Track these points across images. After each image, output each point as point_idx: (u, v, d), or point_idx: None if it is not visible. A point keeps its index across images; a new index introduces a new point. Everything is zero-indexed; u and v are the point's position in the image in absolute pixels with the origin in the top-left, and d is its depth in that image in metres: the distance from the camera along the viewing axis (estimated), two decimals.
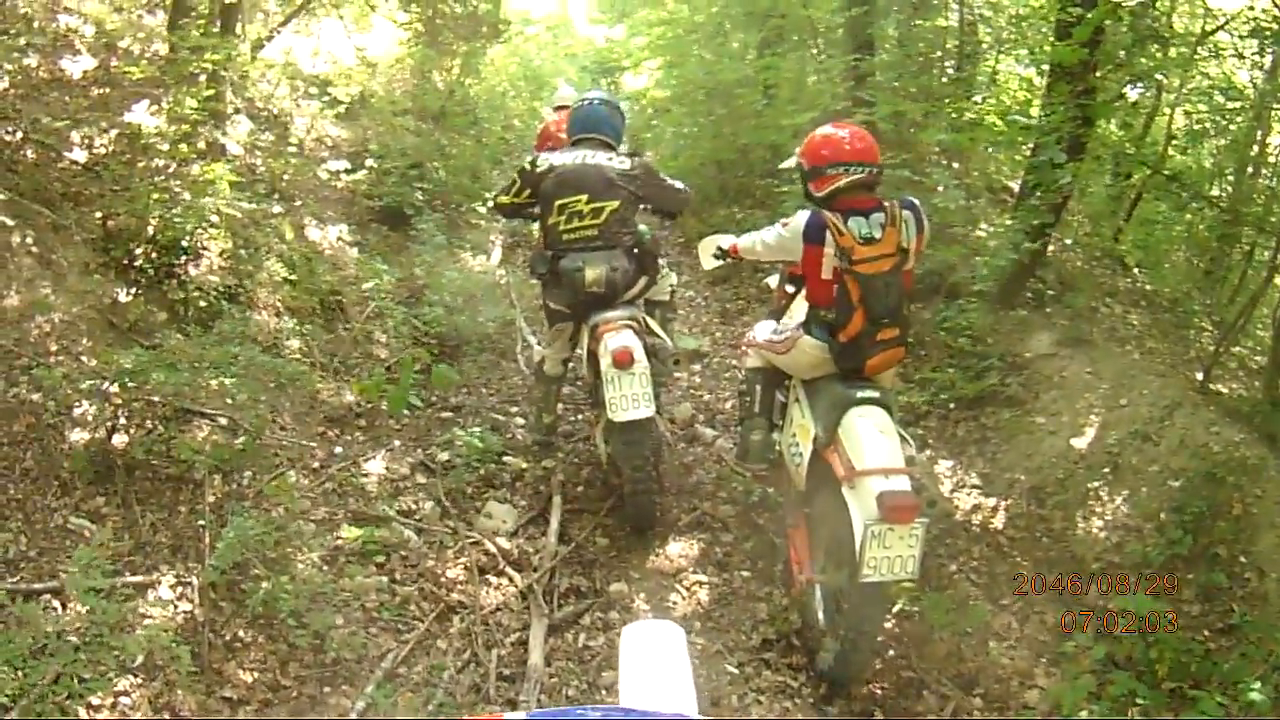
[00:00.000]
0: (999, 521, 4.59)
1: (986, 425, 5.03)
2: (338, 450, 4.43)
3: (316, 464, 4.25)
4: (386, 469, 4.44)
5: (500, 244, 7.92)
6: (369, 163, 7.16)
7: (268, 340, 4.76)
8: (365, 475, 4.30)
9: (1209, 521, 4.22)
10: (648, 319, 4.27)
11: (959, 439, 5.06)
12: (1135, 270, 6.57)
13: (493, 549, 4.00)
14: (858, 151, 3.39)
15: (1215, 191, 6.30)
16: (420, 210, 7.00)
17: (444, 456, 4.61)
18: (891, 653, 3.70)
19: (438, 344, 5.71)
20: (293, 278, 5.20)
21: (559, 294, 4.17)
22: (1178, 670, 3.39)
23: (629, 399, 3.76)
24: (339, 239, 6.42)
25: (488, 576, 3.90)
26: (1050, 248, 6.25)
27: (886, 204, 3.33)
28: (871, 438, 3.13)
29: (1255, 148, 6.15)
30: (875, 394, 3.29)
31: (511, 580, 3.88)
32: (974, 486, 4.77)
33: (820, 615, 3.48)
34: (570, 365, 4.51)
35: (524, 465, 4.70)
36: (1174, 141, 6.28)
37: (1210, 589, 4.07)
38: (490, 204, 5.87)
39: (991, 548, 4.48)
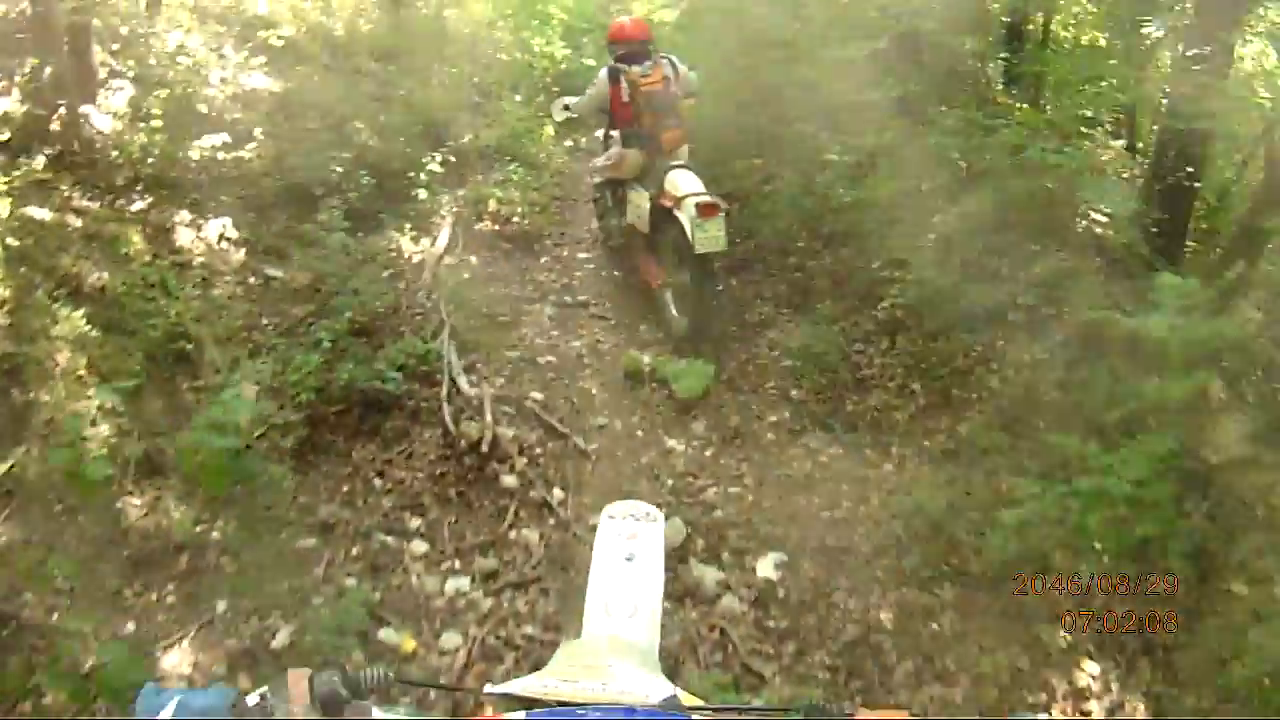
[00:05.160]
0: None
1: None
2: (128, 628, 2.85)
3: (90, 661, 2.68)
4: (194, 663, 2.82)
5: (450, 223, 6.04)
6: (257, 133, 5.48)
7: (62, 434, 3.22)
8: (159, 677, 2.72)
9: None
10: None
11: None
12: None
13: None
14: (633, 32, 5.44)
15: None
16: (334, 189, 5.34)
17: (284, 635, 2.97)
18: None
19: (308, 410, 3.92)
20: (95, 331, 3.64)
21: None
22: None
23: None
24: (221, 238, 4.80)
25: None
26: None
27: (654, 56, 5.24)
28: (686, 179, 4.82)
29: None
30: (681, 162, 5.07)
31: None
32: None
33: (671, 308, 5.09)
34: None
35: (409, 648, 3.06)
36: None
37: None
38: None
39: None
